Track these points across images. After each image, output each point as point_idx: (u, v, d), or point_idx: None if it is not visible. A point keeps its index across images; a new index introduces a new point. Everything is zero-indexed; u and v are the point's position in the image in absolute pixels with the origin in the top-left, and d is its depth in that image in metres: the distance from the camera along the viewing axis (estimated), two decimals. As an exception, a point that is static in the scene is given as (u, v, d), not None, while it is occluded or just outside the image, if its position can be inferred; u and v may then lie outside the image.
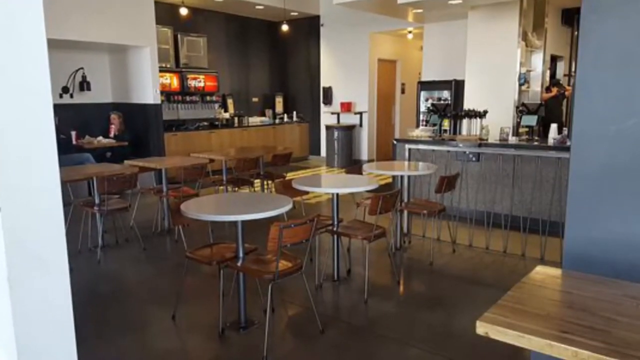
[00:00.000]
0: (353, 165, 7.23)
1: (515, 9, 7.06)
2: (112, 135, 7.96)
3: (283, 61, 11.38)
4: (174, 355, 3.06)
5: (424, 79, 9.15)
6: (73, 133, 7.48)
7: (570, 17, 8.36)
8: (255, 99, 10.97)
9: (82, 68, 7.81)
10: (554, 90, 7.62)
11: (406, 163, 5.55)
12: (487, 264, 4.61)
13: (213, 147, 8.92)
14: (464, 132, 6.05)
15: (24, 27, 1.32)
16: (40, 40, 1.35)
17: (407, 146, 5.82)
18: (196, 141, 8.83)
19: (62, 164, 1.61)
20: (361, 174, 4.90)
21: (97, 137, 7.82)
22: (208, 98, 9.45)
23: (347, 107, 10.36)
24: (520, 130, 6.50)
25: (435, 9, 7.75)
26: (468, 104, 7.18)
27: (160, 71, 8.14)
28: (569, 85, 8.37)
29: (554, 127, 5.35)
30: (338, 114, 10.51)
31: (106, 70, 8.35)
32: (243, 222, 3.10)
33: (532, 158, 5.12)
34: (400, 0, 6.86)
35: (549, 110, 6.73)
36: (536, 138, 5.64)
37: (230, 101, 10.16)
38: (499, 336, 1.36)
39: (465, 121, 6.02)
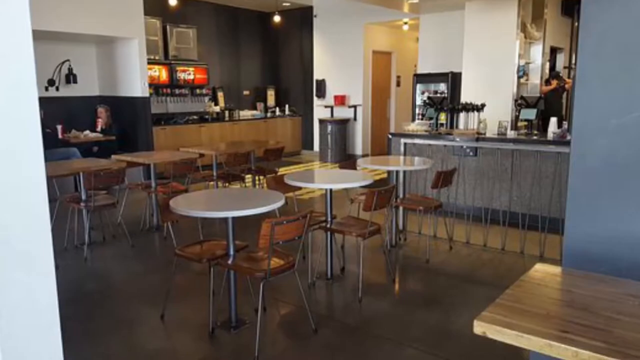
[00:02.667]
0: (347, 160, 7.16)
1: (513, -1, 7.00)
2: (99, 129, 7.90)
3: (275, 53, 11.27)
4: (163, 355, 3.04)
5: (420, 71, 9.10)
6: (59, 127, 7.44)
7: (570, 8, 8.35)
8: (246, 92, 10.89)
9: (68, 60, 7.71)
10: (554, 83, 7.61)
11: (402, 158, 5.51)
12: (485, 262, 4.58)
13: (203, 142, 8.87)
14: (461, 126, 6.01)
15: (8, 18, 1.30)
16: (26, 32, 1.34)
17: (402, 140, 5.76)
18: (185, 135, 8.76)
19: (47, 158, 1.61)
20: (355, 169, 4.88)
21: (84, 131, 7.77)
22: (198, 91, 9.39)
23: (340, 100, 10.28)
24: (519, 124, 6.49)
25: (432, -2, 7.68)
26: (465, 97, 7.18)
27: (149, 63, 8.05)
28: (569, 77, 8.37)
29: (553, 120, 5.31)
30: (331, 108, 10.43)
31: (93, 63, 8.27)
32: (234, 218, 3.07)
33: (531, 153, 5.09)
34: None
35: (548, 104, 6.70)
36: (535, 132, 5.60)
37: (220, 94, 10.08)
38: (497, 336, 1.34)
39: (462, 115, 5.98)
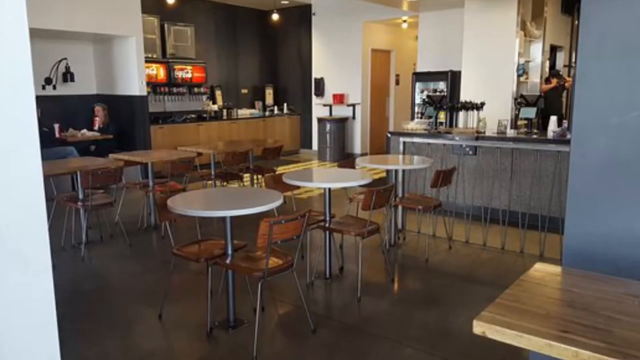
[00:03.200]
0: (346, 159, 7.13)
1: (513, -4, 6.98)
2: (96, 128, 7.86)
3: (273, 51, 11.24)
4: (161, 355, 3.03)
5: (419, 69, 9.06)
6: (56, 126, 7.38)
7: (571, 6, 8.33)
8: (244, 91, 10.85)
9: (65, 58, 7.66)
10: (554, 82, 7.58)
11: (401, 157, 5.49)
12: (485, 261, 4.55)
13: (201, 140, 8.83)
14: (461, 124, 5.98)
15: (5, 16, 1.30)
16: (22, 30, 1.34)
17: (401, 139, 5.74)
18: (183, 134, 8.72)
19: (44, 157, 1.59)
20: (354, 168, 4.85)
21: (81, 130, 7.72)
22: (196, 89, 9.35)
23: (339, 98, 10.25)
24: (519, 122, 6.46)
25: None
26: (465, 96, 7.15)
27: (146, 62, 8.02)
28: (569, 76, 8.36)
29: (553, 119, 5.27)
30: (330, 106, 10.39)
31: (90, 61, 8.22)
32: (232, 217, 3.06)
33: (531, 151, 5.06)
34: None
35: (548, 102, 6.67)
36: (535, 131, 5.56)
37: (218, 93, 10.04)
38: (496, 336, 1.33)
39: (461, 113, 5.95)
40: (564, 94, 7.99)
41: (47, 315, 1.49)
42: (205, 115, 9.40)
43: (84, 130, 7.69)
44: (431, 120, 6.14)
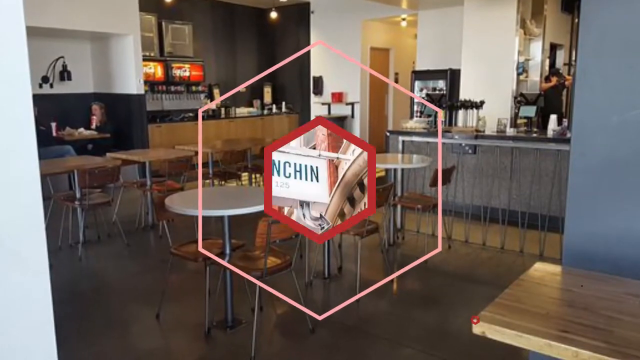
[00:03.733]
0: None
1: (513, -5, 6.96)
2: (93, 126, 7.85)
3: (272, 50, 11.21)
4: (158, 355, 3.03)
5: (418, 68, 9.03)
6: (53, 124, 7.37)
7: (571, 4, 8.32)
8: (242, 89, 10.78)
9: (62, 57, 7.64)
10: (554, 80, 7.57)
11: (400, 155, 5.48)
12: (484, 261, 4.55)
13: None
14: (460, 123, 5.98)
15: (1, 14, 1.30)
16: (19, 28, 1.34)
17: (400, 138, 5.74)
18: (181, 133, 8.70)
19: (41, 156, 1.59)
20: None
21: (78, 129, 7.71)
22: (194, 88, 9.32)
23: (338, 97, 10.24)
24: (519, 121, 6.45)
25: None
26: (464, 94, 7.12)
27: (144, 60, 8.00)
28: (569, 74, 8.34)
29: (553, 118, 5.27)
30: (329, 105, 10.38)
31: (87, 59, 8.20)
32: (230, 217, 3.04)
33: (530, 150, 5.05)
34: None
35: (548, 101, 6.67)
36: (535, 129, 5.58)
37: (216, 91, 10.03)
38: (496, 336, 1.33)
39: (461, 112, 5.94)
40: (564, 92, 7.98)
41: (45, 315, 1.49)
42: (203, 113, 9.37)
43: (81, 129, 7.67)
44: (430, 119, 6.13)
